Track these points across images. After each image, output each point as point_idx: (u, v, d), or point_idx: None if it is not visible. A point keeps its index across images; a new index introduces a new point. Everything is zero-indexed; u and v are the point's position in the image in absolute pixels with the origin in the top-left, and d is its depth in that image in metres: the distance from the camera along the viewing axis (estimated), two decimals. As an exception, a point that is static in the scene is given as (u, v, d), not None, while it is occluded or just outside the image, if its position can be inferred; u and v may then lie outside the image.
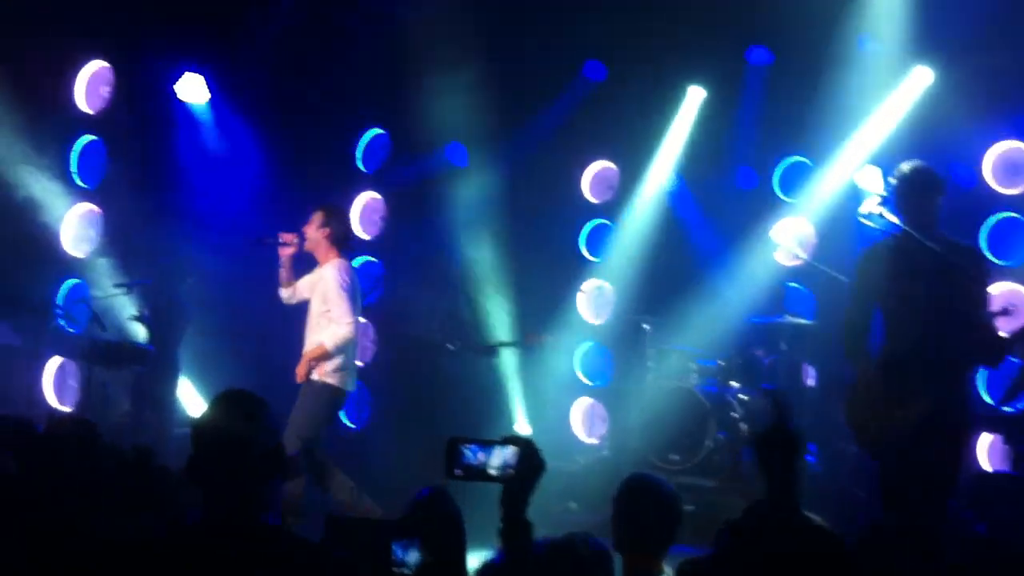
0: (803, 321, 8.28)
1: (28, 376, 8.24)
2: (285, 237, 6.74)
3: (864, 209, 5.42)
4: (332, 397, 6.61)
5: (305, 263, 6.89)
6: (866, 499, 6.98)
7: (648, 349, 8.87)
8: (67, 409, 8.56)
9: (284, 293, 6.90)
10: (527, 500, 2.86)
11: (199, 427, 2.78)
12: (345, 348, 6.57)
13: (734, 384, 8.43)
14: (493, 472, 2.85)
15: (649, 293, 9.44)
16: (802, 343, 8.28)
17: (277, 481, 2.81)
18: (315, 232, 6.68)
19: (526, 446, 2.87)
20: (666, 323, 8.96)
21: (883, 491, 5.38)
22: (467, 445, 2.86)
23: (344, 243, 6.82)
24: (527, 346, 8.94)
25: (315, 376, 6.53)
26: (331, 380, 6.54)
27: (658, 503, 3.75)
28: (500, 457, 2.85)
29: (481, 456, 2.85)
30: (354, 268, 7.03)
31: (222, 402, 2.84)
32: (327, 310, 6.55)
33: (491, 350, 8.74)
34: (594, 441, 9.55)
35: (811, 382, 8.41)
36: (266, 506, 2.74)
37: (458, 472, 2.86)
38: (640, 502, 3.75)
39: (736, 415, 8.22)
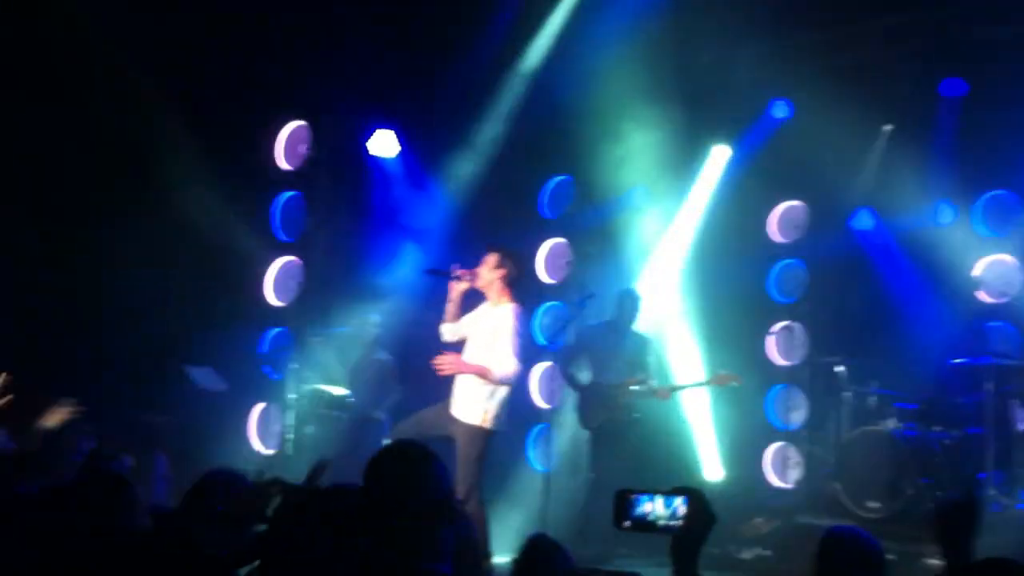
0: (1011, 362, 7.88)
1: (235, 421, 8.63)
2: (459, 272, 6.73)
3: None
4: (488, 439, 6.59)
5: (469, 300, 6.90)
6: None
7: (843, 392, 8.62)
8: (270, 452, 8.92)
9: (447, 328, 6.85)
10: (698, 552, 2.78)
11: (369, 475, 2.83)
12: (505, 387, 6.56)
13: (936, 428, 8.08)
14: (662, 524, 2.79)
15: (843, 334, 9.20)
16: (1009, 384, 7.87)
17: (447, 530, 2.81)
18: (490, 272, 6.66)
19: (696, 497, 2.79)
20: (861, 364, 8.69)
21: None
22: (636, 496, 2.82)
23: (517, 286, 6.81)
24: (717, 386, 8.81)
25: (474, 421, 6.50)
26: (488, 424, 6.52)
27: (863, 562, 3.61)
28: (670, 508, 2.79)
29: (650, 507, 2.80)
30: (527, 315, 7.02)
31: (391, 451, 2.89)
32: (495, 350, 6.53)
33: (678, 391, 8.65)
34: (787, 486, 9.31)
35: (1021, 425, 7.97)
36: (436, 555, 2.75)
37: (627, 524, 2.81)
38: (843, 560, 3.63)
39: (938, 460, 7.87)
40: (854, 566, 3.60)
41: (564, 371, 8.72)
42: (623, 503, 2.81)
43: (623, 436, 8.49)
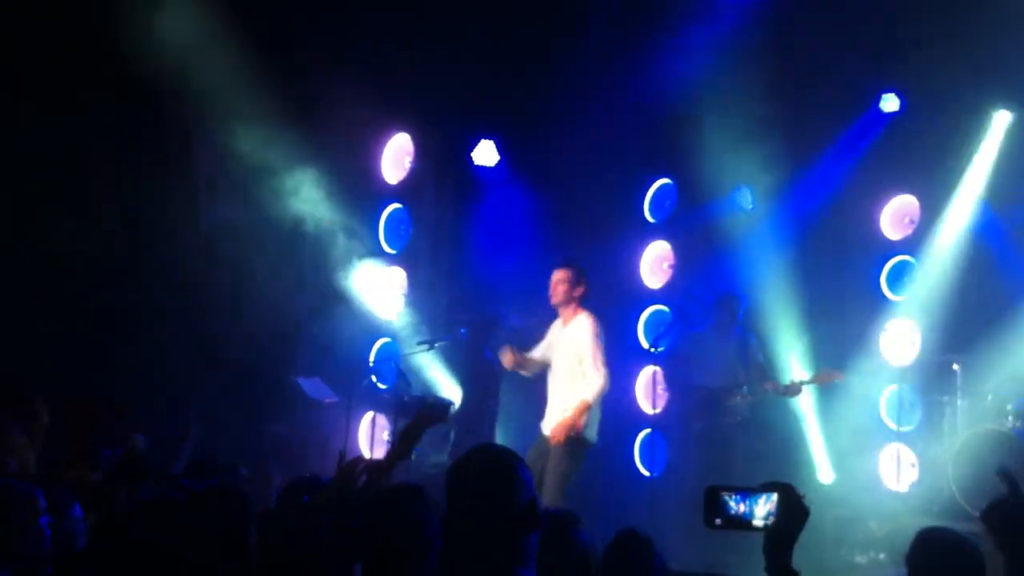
0: None
1: (345, 430, 8.82)
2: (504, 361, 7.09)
3: None
4: (584, 451, 6.70)
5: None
6: None
7: (959, 391, 8.36)
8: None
9: (530, 373, 7.18)
10: (791, 548, 2.74)
11: (454, 480, 2.84)
12: (599, 400, 6.65)
13: (1057, 427, 7.77)
14: (755, 521, 2.75)
15: (958, 331, 8.90)
16: None
17: (532, 537, 2.80)
18: (569, 290, 6.81)
19: (788, 492, 2.74)
20: (978, 363, 8.44)
21: None
22: (727, 493, 2.78)
23: (587, 299, 6.95)
24: (820, 384, 8.59)
25: (572, 432, 6.60)
26: (583, 435, 6.61)
27: (959, 565, 3.52)
28: (762, 505, 2.75)
29: (742, 505, 2.76)
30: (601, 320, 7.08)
31: (477, 456, 2.90)
32: (580, 363, 6.64)
33: (785, 390, 8.48)
34: (903, 489, 9.05)
35: None
36: (522, 561, 2.76)
37: (718, 522, 2.78)
38: (938, 561, 3.53)
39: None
40: (949, 570, 3.50)
41: (671, 375, 8.67)
42: (714, 501, 2.78)
43: (731, 440, 8.39)
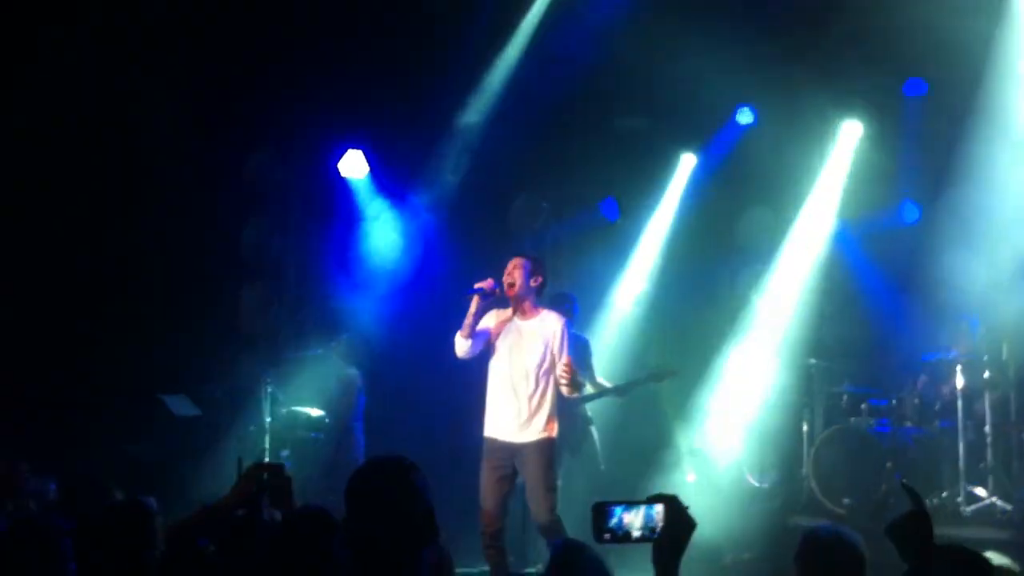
0: (979, 356, 7.94)
1: (212, 447, 8.59)
2: (485, 285, 6.29)
3: None
4: (557, 448, 6.45)
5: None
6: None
7: (816, 391, 8.67)
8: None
9: (466, 343, 6.34)
10: (679, 559, 2.76)
11: (351, 494, 2.83)
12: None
13: (908, 424, 8.14)
14: (638, 534, 2.74)
15: (814, 335, 9.26)
16: (979, 378, 7.92)
17: (426, 548, 2.81)
18: (526, 281, 6.31)
19: (673, 504, 2.76)
20: (833, 364, 8.77)
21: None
22: (613, 507, 2.76)
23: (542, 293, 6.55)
24: (659, 381, 8.56)
25: (545, 435, 6.30)
26: (555, 434, 6.34)
27: (845, 558, 3.64)
28: (646, 518, 2.75)
29: (627, 518, 2.74)
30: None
31: (373, 466, 2.89)
32: (552, 362, 6.28)
33: (617, 389, 8.45)
34: (765, 487, 9.32)
35: (991, 417, 8.01)
36: (420, 569, 2.77)
37: (607, 536, 2.75)
38: (825, 559, 3.65)
39: (912, 455, 7.92)
40: (835, 564, 3.62)
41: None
42: (601, 515, 2.76)
43: (579, 446, 8.36)
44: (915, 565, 3.00)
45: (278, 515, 3.44)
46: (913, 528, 3.00)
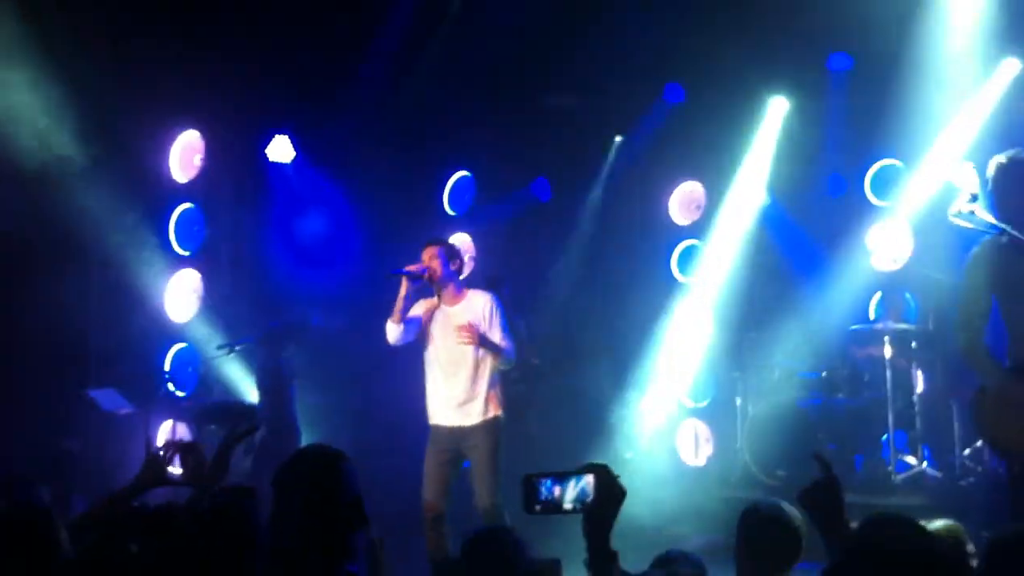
0: (906, 326, 8.08)
1: (141, 442, 8.45)
2: (415, 268, 6.21)
3: (955, 209, 4.84)
4: (504, 426, 6.34)
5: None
6: (988, 504, 6.72)
7: (749, 366, 8.77)
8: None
9: (397, 329, 6.22)
10: (609, 529, 2.75)
11: (280, 483, 2.82)
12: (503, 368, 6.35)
13: (839, 395, 8.26)
14: (570, 505, 2.75)
15: (746, 310, 9.36)
16: (907, 348, 8.07)
17: (359, 532, 2.80)
18: (446, 266, 6.23)
19: (604, 473, 2.75)
20: (765, 338, 8.86)
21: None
22: (542, 479, 2.76)
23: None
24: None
25: (491, 415, 6.22)
26: (500, 412, 6.27)
27: (785, 532, 3.65)
28: (577, 488, 2.75)
29: (557, 489, 2.75)
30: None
31: (302, 455, 2.88)
32: (490, 336, 6.19)
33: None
34: (700, 463, 9.42)
35: (919, 386, 8.18)
36: (351, 557, 2.76)
37: (538, 508, 2.76)
38: (764, 533, 3.67)
39: (843, 425, 8.05)
40: (776, 539, 3.65)
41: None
42: (531, 488, 2.76)
43: (519, 417, 8.30)
44: (826, 531, 3.02)
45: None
46: (823, 495, 3.04)
